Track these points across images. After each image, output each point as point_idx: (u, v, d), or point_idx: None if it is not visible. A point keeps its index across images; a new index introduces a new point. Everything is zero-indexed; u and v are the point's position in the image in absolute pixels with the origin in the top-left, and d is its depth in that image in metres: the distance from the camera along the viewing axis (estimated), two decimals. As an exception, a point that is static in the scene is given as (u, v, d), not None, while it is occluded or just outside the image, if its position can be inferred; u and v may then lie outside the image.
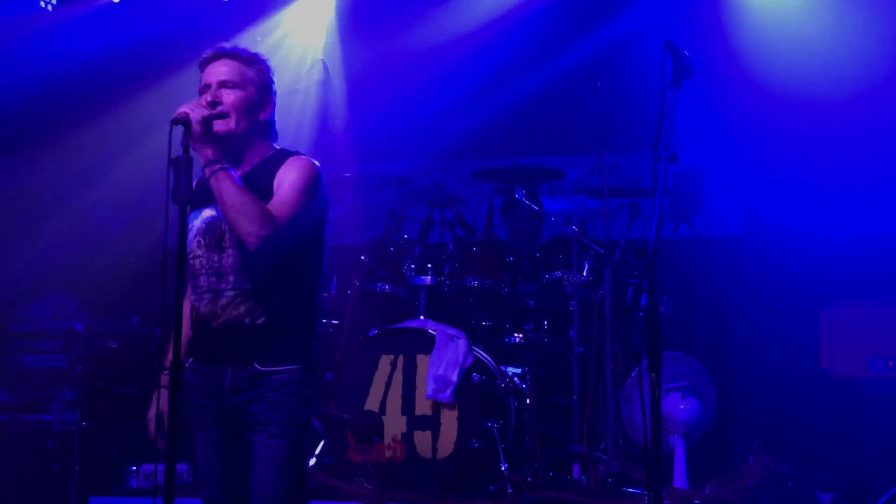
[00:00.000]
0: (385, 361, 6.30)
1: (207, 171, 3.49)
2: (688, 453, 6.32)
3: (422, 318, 6.58)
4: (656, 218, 3.47)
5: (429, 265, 6.74)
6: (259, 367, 3.59)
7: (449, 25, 7.87)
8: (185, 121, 3.45)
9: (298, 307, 3.68)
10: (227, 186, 3.47)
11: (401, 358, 6.28)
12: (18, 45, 7.92)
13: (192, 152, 3.44)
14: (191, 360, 3.68)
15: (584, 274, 6.64)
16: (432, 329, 6.33)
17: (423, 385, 6.16)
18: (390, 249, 6.88)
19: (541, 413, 6.59)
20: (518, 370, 6.64)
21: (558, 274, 6.68)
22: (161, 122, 3.55)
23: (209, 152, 3.49)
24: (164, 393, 3.56)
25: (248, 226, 3.45)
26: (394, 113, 8.14)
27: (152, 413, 3.65)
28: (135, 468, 6.44)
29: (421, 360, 6.23)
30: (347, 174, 7.26)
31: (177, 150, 3.42)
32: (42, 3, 7.88)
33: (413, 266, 6.75)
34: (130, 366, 6.90)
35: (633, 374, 6.62)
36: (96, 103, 8.17)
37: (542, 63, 8.08)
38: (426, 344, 6.24)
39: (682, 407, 6.37)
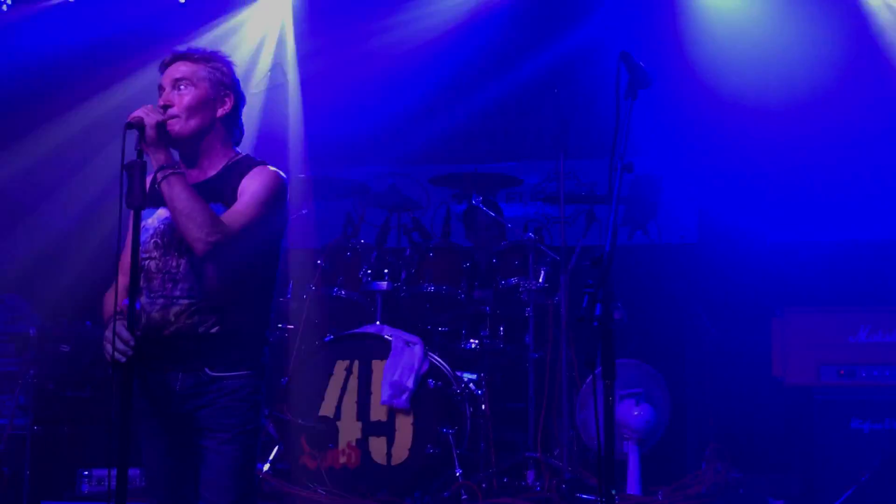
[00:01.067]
0: (340, 367, 6.29)
1: (159, 176, 3.47)
2: (641, 460, 6.35)
3: (378, 323, 6.58)
4: (611, 228, 3.49)
5: (385, 270, 6.74)
6: (210, 373, 3.57)
7: (408, 31, 7.87)
8: (139, 125, 3.44)
9: (252, 316, 3.66)
10: (178, 191, 3.45)
11: (356, 363, 6.27)
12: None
13: (146, 156, 3.43)
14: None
15: (540, 280, 6.67)
16: (388, 335, 6.33)
17: (378, 391, 6.16)
18: (347, 254, 6.88)
19: (496, 419, 6.60)
20: (474, 376, 6.65)
21: (514, 280, 6.70)
22: (116, 125, 3.53)
23: (162, 156, 3.47)
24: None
25: (196, 231, 3.43)
26: (352, 118, 8.13)
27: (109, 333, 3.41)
28: (87, 473, 6.38)
29: (376, 365, 6.22)
30: (303, 175, 7.24)
31: (131, 154, 3.40)
32: (-2, 5, 7.80)
33: (370, 271, 6.75)
34: (83, 370, 6.84)
35: (588, 380, 6.65)
36: (51, 105, 8.09)
37: (500, 70, 8.11)
38: (382, 349, 6.24)
39: (635, 413, 6.40)
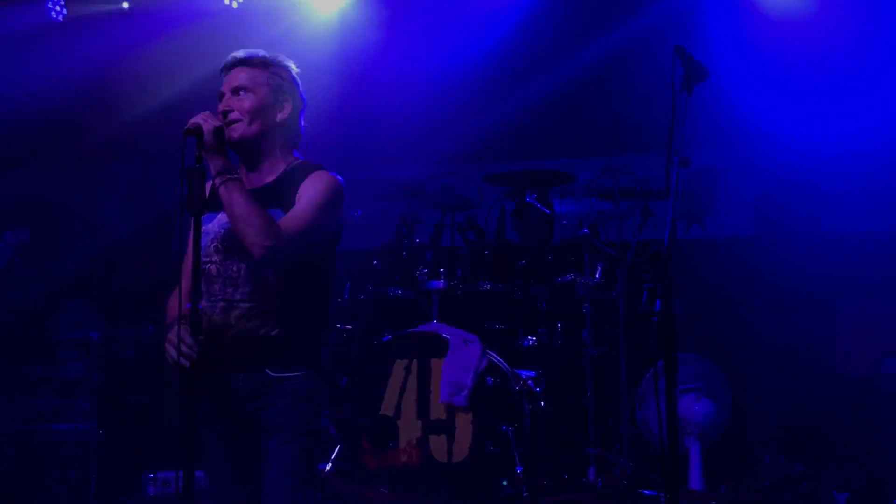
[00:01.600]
0: (399, 366, 6.30)
1: (218, 181, 3.50)
2: (703, 454, 6.32)
3: (435, 322, 6.59)
4: (669, 223, 3.48)
5: (441, 269, 6.74)
6: (271, 374, 3.60)
7: (459, 29, 7.87)
8: (197, 131, 3.48)
9: (310, 318, 3.69)
10: (236, 197, 3.49)
11: (415, 362, 6.28)
12: (29, 55, 7.95)
13: (204, 162, 3.48)
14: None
15: (597, 276, 6.65)
16: (446, 333, 6.33)
17: (437, 389, 6.16)
18: (403, 254, 6.90)
19: (555, 416, 6.59)
20: (532, 373, 6.63)
21: (571, 276, 6.69)
22: (173, 130, 3.57)
23: (220, 162, 3.52)
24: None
25: (253, 236, 3.47)
26: (405, 117, 8.15)
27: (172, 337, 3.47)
28: (152, 475, 6.46)
29: (435, 364, 6.23)
30: (357, 176, 7.27)
31: (189, 160, 3.45)
32: (53, 14, 7.90)
33: (425, 270, 6.76)
34: (146, 374, 6.93)
35: (648, 375, 6.63)
36: (108, 111, 8.19)
37: (551, 65, 8.08)
38: (440, 348, 6.24)
39: (696, 408, 6.37)
